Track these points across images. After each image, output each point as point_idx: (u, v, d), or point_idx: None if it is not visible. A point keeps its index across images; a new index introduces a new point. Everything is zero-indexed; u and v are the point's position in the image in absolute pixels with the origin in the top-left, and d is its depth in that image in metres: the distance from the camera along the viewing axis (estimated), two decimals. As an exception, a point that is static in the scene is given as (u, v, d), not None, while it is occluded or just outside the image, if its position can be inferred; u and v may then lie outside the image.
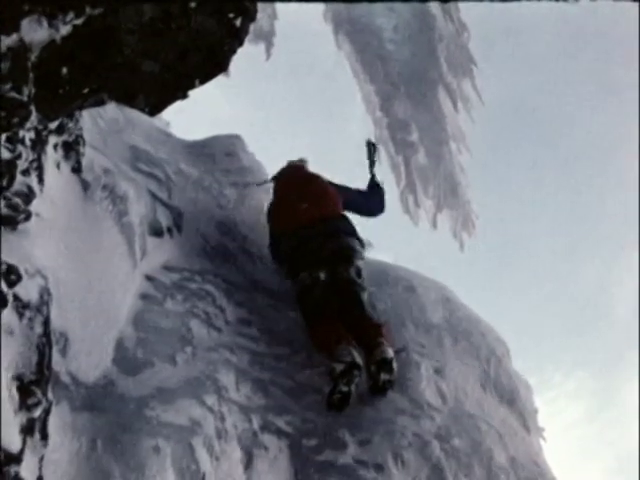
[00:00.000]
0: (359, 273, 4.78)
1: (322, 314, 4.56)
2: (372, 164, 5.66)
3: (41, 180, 3.30)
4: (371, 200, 5.59)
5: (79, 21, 2.54)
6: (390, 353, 4.32)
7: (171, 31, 3.12)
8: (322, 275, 4.69)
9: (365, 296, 4.75)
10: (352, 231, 4.97)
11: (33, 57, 2.50)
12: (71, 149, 3.82)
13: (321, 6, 8.00)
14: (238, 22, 3.45)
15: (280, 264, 5.05)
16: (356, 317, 4.61)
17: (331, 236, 4.82)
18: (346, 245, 4.83)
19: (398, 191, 7.70)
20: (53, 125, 3.20)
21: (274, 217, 5.15)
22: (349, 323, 4.53)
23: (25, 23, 2.37)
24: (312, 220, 4.88)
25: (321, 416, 4.11)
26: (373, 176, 5.65)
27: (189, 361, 3.82)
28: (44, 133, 3.19)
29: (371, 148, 5.68)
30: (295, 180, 5.33)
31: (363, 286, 4.77)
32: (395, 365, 4.34)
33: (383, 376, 4.29)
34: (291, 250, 4.84)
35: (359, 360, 4.21)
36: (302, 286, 4.70)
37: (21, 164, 2.99)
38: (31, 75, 2.53)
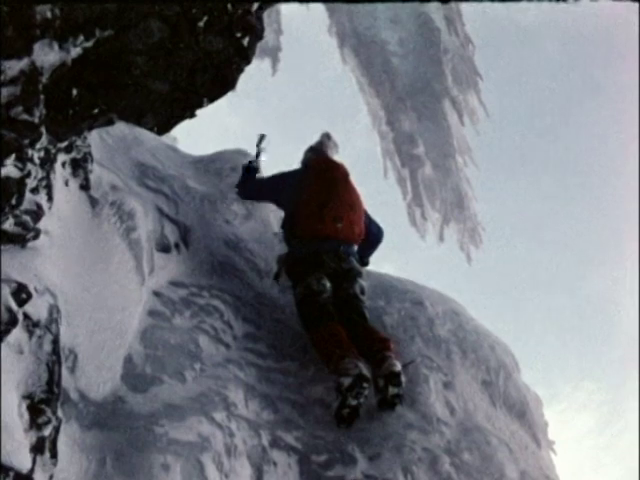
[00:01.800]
0: (362, 291, 4.88)
1: (327, 318, 4.54)
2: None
3: (50, 198, 3.32)
4: (378, 229, 5.52)
5: (89, 44, 2.57)
6: (398, 366, 4.30)
7: (179, 51, 3.16)
8: (328, 284, 4.72)
9: (367, 314, 4.79)
10: (356, 255, 5.07)
11: (44, 79, 2.53)
12: (79, 166, 3.86)
13: (326, 20, 8.06)
14: (246, 41, 3.48)
15: (286, 263, 4.97)
16: (362, 329, 4.62)
17: (345, 259, 4.89)
18: (353, 267, 4.92)
19: (405, 204, 7.71)
20: (62, 143, 3.22)
21: (301, 218, 4.98)
22: (355, 335, 4.51)
23: (37, 47, 2.41)
24: (340, 239, 4.93)
25: (330, 431, 4.09)
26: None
27: (197, 377, 3.82)
28: (53, 151, 3.22)
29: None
30: (329, 181, 5.13)
31: (366, 305, 4.85)
32: (403, 379, 4.31)
33: (391, 390, 4.25)
34: (303, 255, 4.85)
35: (366, 372, 4.17)
36: (309, 290, 4.68)
37: (30, 182, 3.02)
38: (42, 97, 2.56)
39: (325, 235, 4.89)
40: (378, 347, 4.41)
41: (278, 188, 5.23)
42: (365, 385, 4.13)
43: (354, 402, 4.12)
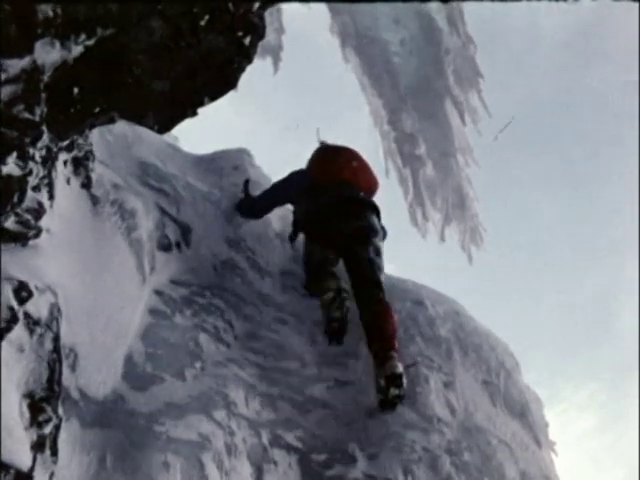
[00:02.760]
0: (378, 252, 4.77)
1: (320, 270, 4.81)
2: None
3: (51, 196, 3.32)
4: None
5: (91, 42, 2.58)
6: (400, 368, 4.27)
7: (181, 49, 3.16)
8: (331, 255, 4.85)
9: (382, 277, 4.69)
10: (377, 210, 5.03)
11: (45, 78, 2.53)
12: (81, 165, 3.85)
13: (328, 20, 8.05)
14: (247, 40, 3.49)
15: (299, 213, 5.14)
16: (374, 314, 4.48)
17: (357, 214, 4.86)
18: (368, 224, 4.85)
19: (406, 204, 7.70)
20: (63, 142, 3.22)
21: (320, 165, 5.20)
22: (366, 319, 4.47)
23: (38, 45, 2.41)
24: (355, 181, 5.02)
25: (331, 431, 4.10)
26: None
27: (198, 376, 3.83)
28: (54, 150, 3.22)
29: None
30: (345, 152, 5.36)
31: (381, 266, 4.74)
32: (405, 380, 4.30)
33: (393, 391, 4.24)
34: (315, 215, 4.90)
35: (344, 285, 4.48)
36: (311, 254, 4.93)
37: (32, 180, 3.02)
38: (43, 95, 2.56)
39: (342, 178, 5.00)
40: (383, 345, 4.35)
41: (289, 185, 5.29)
42: (345, 295, 4.42)
43: (338, 313, 4.40)
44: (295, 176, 5.31)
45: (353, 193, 4.98)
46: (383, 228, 5.28)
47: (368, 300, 4.52)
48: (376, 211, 5.03)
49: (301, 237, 5.29)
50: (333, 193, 4.92)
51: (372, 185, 5.26)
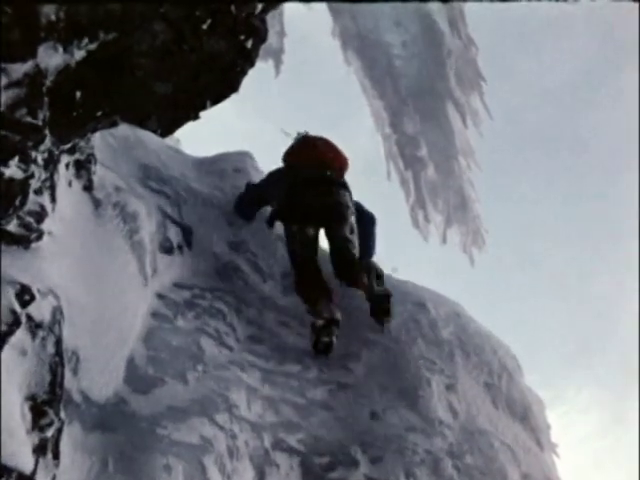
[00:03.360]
0: (352, 230, 5.09)
1: (310, 265, 5.03)
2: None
3: (53, 199, 3.33)
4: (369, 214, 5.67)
5: (93, 46, 2.58)
6: (378, 289, 4.83)
7: (183, 53, 3.16)
8: (311, 231, 5.07)
9: (356, 252, 5.06)
10: (346, 185, 5.27)
11: (48, 82, 2.53)
12: (83, 167, 3.86)
13: (330, 22, 8.06)
14: (249, 44, 3.49)
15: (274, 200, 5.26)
16: (351, 274, 5.00)
17: (328, 192, 5.08)
18: (339, 201, 5.08)
19: (408, 206, 7.71)
20: (66, 145, 3.23)
21: (291, 150, 5.53)
22: (344, 277, 5.03)
23: (41, 49, 2.42)
24: (324, 161, 5.25)
25: (332, 434, 4.09)
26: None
27: (200, 379, 3.82)
28: (56, 153, 3.22)
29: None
30: (312, 137, 5.65)
31: (355, 243, 5.08)
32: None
33: (376, 287, 4.81)
34: (289, 199, 5.06)
35: (338, 316, 4.71)
36: (293, 239, 5.07)
37: (34, 183, 3.02)
38: (46, 99, 2.56)
39: (311, 160, 5.26)
40: (360, 270, 4.92)
41: (271, 180, 5.47)
42: (334, 327, 4.68)
43: (326, 339, 4.67)
44: (272, 172, 5.57)
45: (323, 172, 5.20)
46: (370, 214, 5.54)
47: (345, 274, 5.04)
48: (347, 189, 5.26)
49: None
50: (304, 173, 5.17)
51: (342, 164, 5.45)
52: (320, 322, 4.67)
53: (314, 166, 5.21)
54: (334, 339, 4.68)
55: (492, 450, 4.43)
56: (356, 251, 5.05)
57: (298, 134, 5.83)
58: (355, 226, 5.11)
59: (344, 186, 5.22)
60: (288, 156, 5.54)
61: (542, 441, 5.12)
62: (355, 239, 5.08)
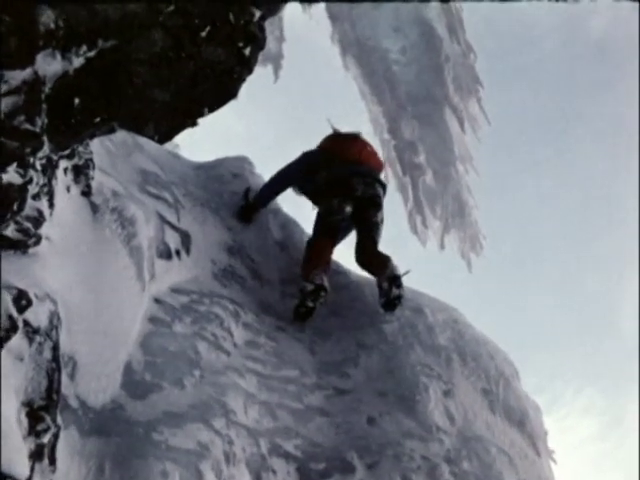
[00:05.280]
0: (382, 220, 5.63)
1: (328, 235, 5.50)
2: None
3: (51, 204, 3.33)
4: None
5: (92, 53, 2.59)
6: (399, 270, 5.13)
7: (181, 60, 3.17)
8: (348, 209, 5.46)
9: (379, 241, 5.56)
10: (385, 186, 5.84)
11: (46, 89, 2.54)
12: (81, 173, 3.86)
13: (329, 28, 8.08)
14: (247, 51, 3.50)
15: (310, 184, 5.75)
16: (371, 251, 5.46)
17: (371, 184, 5.61)
18: (379, 194, 5.65)
19: (406, 212, 7.72)
20: (64, 151, 3.23)
21: (337, 142, 5.94)
22: (363, 253, 5.47)
23: (40, 57, 2.42)
24: (367, 162, 5.78)
25: (329, 439, 4.10)
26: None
27: (197, 384, 3.82)
28: (55, 158, 3.23)
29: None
30: (358, 137, 6.10)
31: (381, 233, 5.60)
32: (403, 282, 5.10)
33: (394, 291, 5.03)
34: (335, 178, 5.57)
35: (327, 284, 5.06)
36: (329, 208, 5.50)
37: (32, 188, 3.02)
38: (44, 106, 2.57)
39: (358, 158, 5.73)
40: (381, 260, 5.29)
41: (302, 161, 5.86)
42: (322, 294, 5.02)
43: (311, 304, 5.01)
44: (307, 154, 5.93)
45: (370, 169, 5.76)
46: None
47: (368, 248, 5.48)
48: (385, 190, 5.81)
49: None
50: (354, 168, 5.65)
51: (381, 168, 6.05)
52: (310, 287, 5.00)
53: (358, 162, 5.71)
54: (317, 306, 5.03)
55: (489, 456, 4.43)
56: (379, 239, 5.55)
57: (333, 130, 6.18)
58: (384, 218, 5.63)
59: (384, 186, 5.80)
60: (333, 143, 5.96)
61: (539, 447, 5.12)
62: (382, 229, 5.59)
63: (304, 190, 5.93)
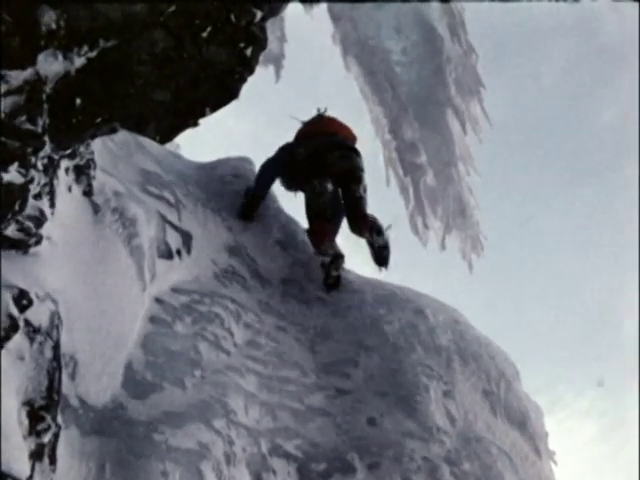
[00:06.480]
0: (365, 190, 5.83)
1: (322, 217, 5.67)
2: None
3: (53, 204, 3.33)
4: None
5: (93, 54, 2.60)
6: (381, 223, 5.57)
7: (182, 61, 3.17)
8: (329, 186, 5.69)
9: (366, 208, 5.79)
10: (359, 152, 5.98)
11: (48, 89, 2.54)
12: (82, 172, 3.86)
13: (330, 29, 8.08)
14: (249, 52, 3.50)
15: (290, 174, 5.96)
16: (359, 219, 5.74)
17: (347, 156, 5.83)
18: (357, 166, 5.85)
19: (407, 213, 7.71)
20: (65, 151, 3.24)
21: (306, 125, 6.23)
22: (354, 222, 5.75)
23: (41, 57, 2.43)
24: (339, 132, 6.00)
25: (330, 440, 4.09)
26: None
27: (198, 384, 3.82)
28: (56, 158, 3.23)
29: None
30: (325, 115, 6.38)
31: (366, 200, 5.80)
32: (386, 233, 5.57)
33: (377, 239, 5.53)
34: (313, 153, 5.79)
35: (340, 251, 5.54)
36: (313, 192, 5.71)
37: (33, 188, 3.02)
38: (45, 106, 2.57)
39: (328, 131, 5.99)
40: (366, 221, 5.65)
41: (280, 152, 6.03)
42: (340, 260, 5.49)
43: (335, 273, 5.46)
44: (284, 144, 6.12)
45: (342, 140, 5.96)
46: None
47: (356, 227, 5.76)
48: (360, 155, 5.96)
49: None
50: (327, 138, 5.90)
51: (354, 138, 6.17)
52: (327, 259, 5.43)
53: (331, 134, 5.96)
54: (341, 272, 5.49)
55: (490, 457, 4.42)
56: (366, 207, 5.76)
57: (318, 110, 6.42)
58: (367, 186, 5.84)
59: (357, 152, 5.94)
60: (303, 128, 6.20)
61: (540, 448, 5.11)
62: (367, 197, 5.80)
63: (290, 178, 6.06)
